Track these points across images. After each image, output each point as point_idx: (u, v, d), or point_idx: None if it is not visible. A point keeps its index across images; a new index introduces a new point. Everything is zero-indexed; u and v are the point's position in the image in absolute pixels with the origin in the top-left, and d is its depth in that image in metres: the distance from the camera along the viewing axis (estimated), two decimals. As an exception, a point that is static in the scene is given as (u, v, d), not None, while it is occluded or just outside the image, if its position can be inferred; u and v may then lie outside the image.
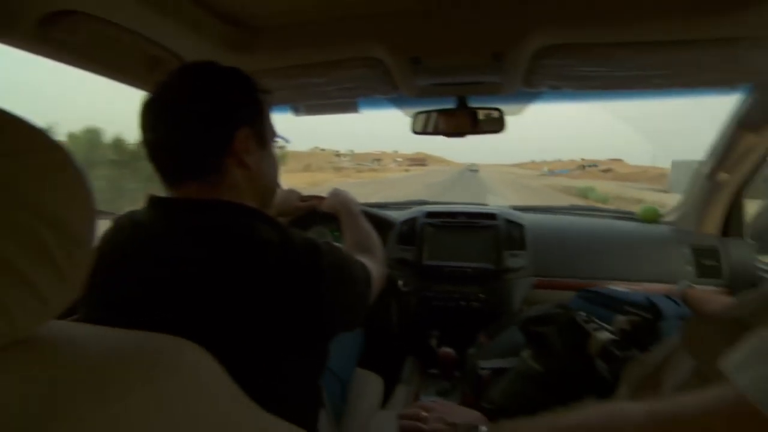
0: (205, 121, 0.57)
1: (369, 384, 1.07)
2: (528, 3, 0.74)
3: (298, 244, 0.54)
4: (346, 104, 1.24)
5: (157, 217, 0.56)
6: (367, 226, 0.94)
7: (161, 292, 0.49)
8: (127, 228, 0.57)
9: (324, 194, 1.11)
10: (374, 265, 0.76)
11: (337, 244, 0.74)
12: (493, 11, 0.76)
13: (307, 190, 1.23)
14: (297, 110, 1.32)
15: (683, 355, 0.54)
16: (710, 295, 0.95)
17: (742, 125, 1.05)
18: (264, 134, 0.64)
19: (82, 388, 0.28)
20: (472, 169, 73.24)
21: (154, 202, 0.57)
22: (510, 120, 1.17)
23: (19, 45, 0.67)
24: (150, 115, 0.58)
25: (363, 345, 1.20)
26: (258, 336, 0.49)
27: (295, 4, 0.77)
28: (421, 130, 1.20)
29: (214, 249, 0.50)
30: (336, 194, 1.07)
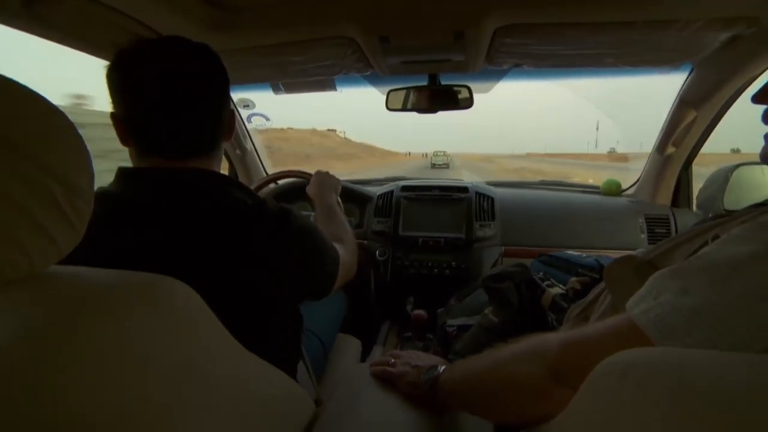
0: (217, 105, 0.60)
1: (348, 345, 1.16)
2: None
3: (271, 207, 0.60)
4: (324, 82, 1.28)
5: (142, 187, 0.57)
6: (341, 218, 0.93)
7: (152, 250, 0.54)
8: (100, 200, 0.57)
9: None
10: (345, 253, 0.77)
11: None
12: None
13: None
14: (276, 88, 1.36)
15: (606, 294, 0.63)
16: None
17: (684, 102, 1.15)
18: None
19: (92, 311, 0.33)
20: (439, 164, 42.45)
21: (127, 173, 0.58)
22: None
23: (5, 22, 0.70)
24: (147, 91, 0.55)
25: (345, 311, 1.28)
26: (235, 287, 0.55)
27: None
28: (395, 107, 1.26)
29: (198, 213, 0.55)
30: (315, 181, 1.02)
